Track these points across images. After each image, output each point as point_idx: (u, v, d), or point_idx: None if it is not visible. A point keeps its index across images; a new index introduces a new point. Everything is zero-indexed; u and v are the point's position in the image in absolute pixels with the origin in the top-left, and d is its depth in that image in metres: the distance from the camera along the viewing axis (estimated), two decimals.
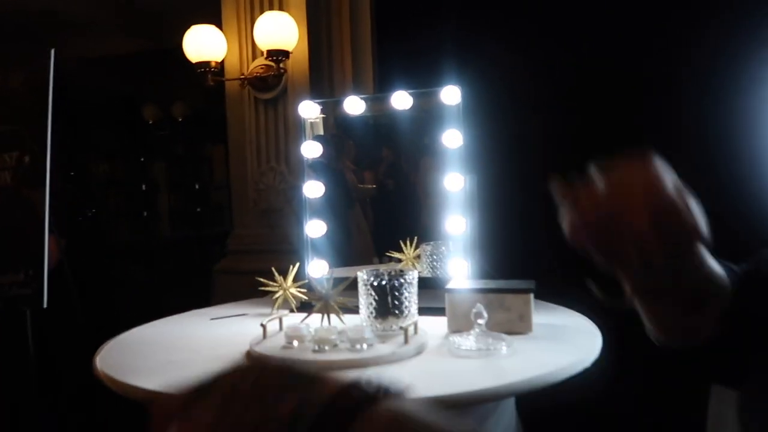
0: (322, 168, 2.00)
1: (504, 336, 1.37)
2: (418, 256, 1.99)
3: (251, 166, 3.01)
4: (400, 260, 1.99)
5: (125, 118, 6.19)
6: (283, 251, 2.78)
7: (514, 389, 1.13)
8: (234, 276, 2.96)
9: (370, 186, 2.15)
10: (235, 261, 3.02)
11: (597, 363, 1.32)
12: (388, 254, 2.05)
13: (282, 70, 2.78)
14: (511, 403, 1.59)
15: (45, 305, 1.80)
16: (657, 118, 2.06)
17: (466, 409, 1.31)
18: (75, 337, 2.24)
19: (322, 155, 1.97)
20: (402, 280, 1.47)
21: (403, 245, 2.01)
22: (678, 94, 2.05)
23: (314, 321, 1.48)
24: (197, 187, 7.63)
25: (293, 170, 2.90)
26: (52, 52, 1.92)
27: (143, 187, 6.92)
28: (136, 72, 5.30)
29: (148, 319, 1.77)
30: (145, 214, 6.91)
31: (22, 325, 1.85)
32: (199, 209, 7.58)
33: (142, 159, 6.83)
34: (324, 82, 2.94)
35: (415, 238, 1.99)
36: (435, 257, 1.95)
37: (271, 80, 2.85)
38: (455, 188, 1.76)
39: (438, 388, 1.11)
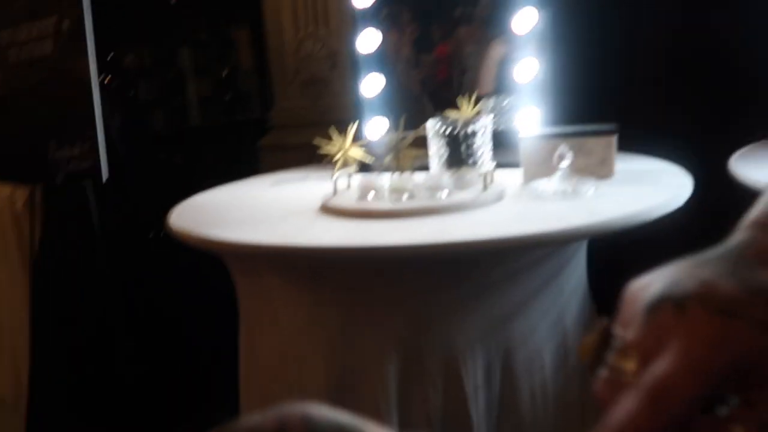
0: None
1: (589, 178, 1.30)
2: (479, 113, 1.88)
3: (289, 35, 2.86)
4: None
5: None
6: (329, 122, 2.70)
7: (610, 226, 1.07)
8: (280, 151, 2.92)
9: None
10: (280, 136, 2.96)
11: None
12: (444, 114, 1.95)
13: None
14: (581, 256, 1.54)
15: (105, 178, 1.78)
16: None
17: (546, 257, 1.26)
18: (133, 210, 2.25)
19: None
20: (475, 127, 1.39)
21: (460, 102, 1.90)
22: None
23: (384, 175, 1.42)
24: (224, 74, 7.46)
25: (335, 34, 2.74)
26: None
27: (171, 75, 6.80)
28: None
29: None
30: (175, 102, 6.83)
31: (84, 199, 1.85)
32: (228, 96, 7.46)
33: (167, 46, 6.64)
34: None
35: (474, 93, 1.88)
36: (499, 112, 1.84)
37: None
38: (526, 27, 1.62)
39: (528, 228, 1.06)
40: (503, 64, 1.84)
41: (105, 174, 1.80)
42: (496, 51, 1.89)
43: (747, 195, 1.38)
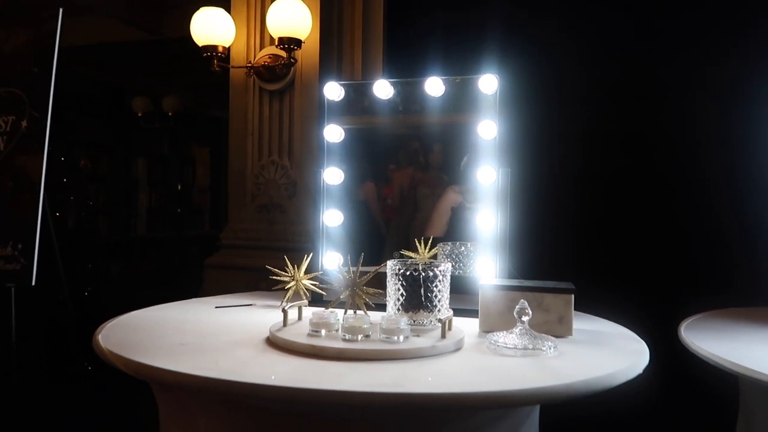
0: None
1: (548, 336, 1.27)
2: (435, 257, 1.87)
3: (251, 159, 2.89)
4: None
5: (114, 110, 5.99)
6: (280, 248, 2.66)
7: (574, 390, 1.02)
8: (226, 271, 2.83)
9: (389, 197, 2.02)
10: (228, 256, 2.87)
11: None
12: (401, 252, 1.93)
13: (293, 60, 2.68)
14: (536, 415, 1.48)
15: (33, 282, 1.64)
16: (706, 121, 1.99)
17: (504, 415, 1.20)
18: (60, 320, 2.07)
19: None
20: (436, 272, 1.36)
21: (418, 244, 1.89)
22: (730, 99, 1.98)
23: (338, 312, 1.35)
24: (179, 187, 7.45)
25: (296, 164, 2.78)
26: (60, 11, 1.78)
27: (125, 184, 6.74)
28: (131, 62, 5.13)
29: (134, 309, 1.62)
30: (124, 211, 6.71)
31: (5, 303, 1.69)
32: (179, 210, 7.39)
33: (126, 154, 6.64)
34: (333, 76, 2.85)
35: (431, 237, 1.88)
36: (455, 257, 1.84)
37: (279, 70, 2.75)
38: (487, 182, 1.67)
39: (491, 386, 1.00)
40: (458, 212, 1.87)
41: (34, 279, 1.67)
42: (450, 197, 1.93)
43: (695, 361, 1.39)
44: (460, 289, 1.67)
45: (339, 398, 0.94)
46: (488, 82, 1.65)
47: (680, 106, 2.13)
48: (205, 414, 1.11)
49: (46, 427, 2.05)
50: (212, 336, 1.31)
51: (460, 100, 1.74)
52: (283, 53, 2.62)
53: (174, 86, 5.67)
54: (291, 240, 2.70)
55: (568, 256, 1.88)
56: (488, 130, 1.65)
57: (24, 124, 1.76)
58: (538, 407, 1.46)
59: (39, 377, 1.92)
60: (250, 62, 2.79)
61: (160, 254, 6.20)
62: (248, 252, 2.78)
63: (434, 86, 1.72)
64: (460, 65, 1.86)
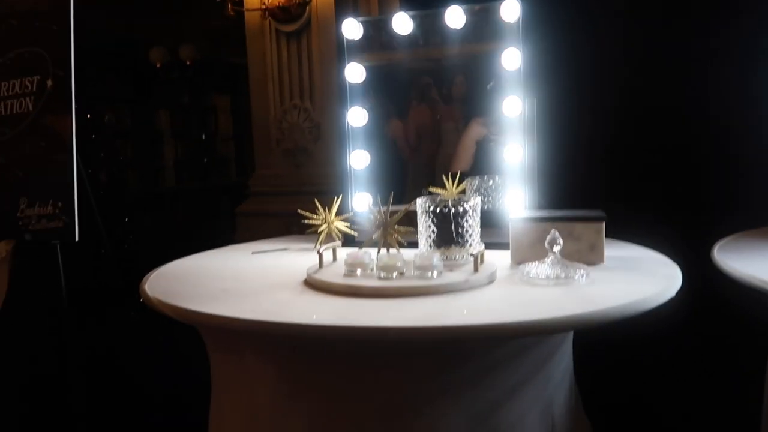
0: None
1: (581, 264, 1.28)
2: (463, 192, 1.87)
3: (273, 104, 2.88)
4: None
5: (131, 63, 5.96)
6: (309, 192, 2.68)
7: (607, 315, 1.04)
8: (257, 218, 2.88)
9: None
10: (258, 203, 2.92)
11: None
12: (429, 190, 1.93)
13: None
14: (569, 343, 1.51)
15: (77, 238, 1.70)
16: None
17: (537, 343, 1.23)
18: (104, 273, 2.16)
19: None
20: (466, 207, 1.37)
21: (445, 180, 1.89)
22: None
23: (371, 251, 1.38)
24: (203, 137, 7.48)
25: (319, 107, 2.77)
26: None
27: (149, 137, 6.79)
28: (143, 13, 5.07)
29: (171, 259, 1.67)
30: (151, 164, 6.79)
31: (53, 259, 1.75)
32: (205, 160, 7.45)
33: (148, 107, 6.66)
34: (349, 13, 2.78)
35: (458, 173, 1.88)
36: (484, 192, 1.84)
37: (294, 10, 2.70)
38: (513, 113, 1.64)
39: (526, 315, 1.02)
40: (484, 145, 1.85)
41: (77, 235, 1.72)
42: (475, 131, 1.91)
43: (728, 283, 1.39)
44: (490, 223, 1.67)
45: (378, 333, 0.97)
46: (510, 8, 1.60)
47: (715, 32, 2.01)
48: (251, 352, 1.17)
49: (103, 375, 2.17)
50: (252, 280, 1.36)
51: (482, 29, 1.69)
52: None
53: (190, 35, 5.60)
54: (319, 183, 2.72)
55: (599, 185, 1.86)
56: (512, 59, 1.61)
57: (49, 83, 1.78)
58: (571, 335, 1.49)
59: (90, 326, 2.02)
60: (264, 3, 2.74)
61: (190, 205, 6.31)
62: (277, 198, 2.82)
63: (454, 16, 1.68)
64: None
